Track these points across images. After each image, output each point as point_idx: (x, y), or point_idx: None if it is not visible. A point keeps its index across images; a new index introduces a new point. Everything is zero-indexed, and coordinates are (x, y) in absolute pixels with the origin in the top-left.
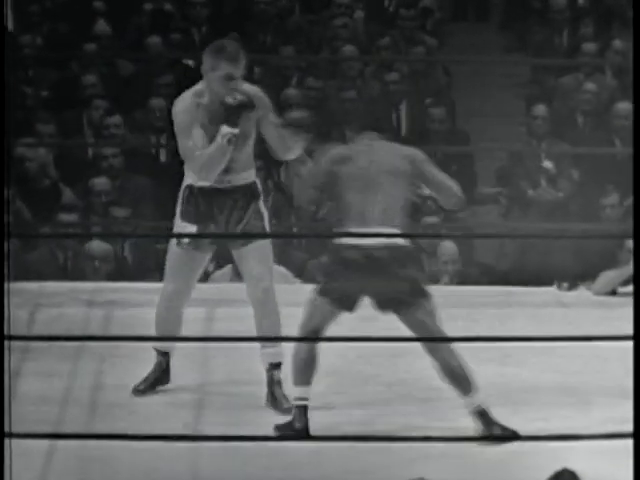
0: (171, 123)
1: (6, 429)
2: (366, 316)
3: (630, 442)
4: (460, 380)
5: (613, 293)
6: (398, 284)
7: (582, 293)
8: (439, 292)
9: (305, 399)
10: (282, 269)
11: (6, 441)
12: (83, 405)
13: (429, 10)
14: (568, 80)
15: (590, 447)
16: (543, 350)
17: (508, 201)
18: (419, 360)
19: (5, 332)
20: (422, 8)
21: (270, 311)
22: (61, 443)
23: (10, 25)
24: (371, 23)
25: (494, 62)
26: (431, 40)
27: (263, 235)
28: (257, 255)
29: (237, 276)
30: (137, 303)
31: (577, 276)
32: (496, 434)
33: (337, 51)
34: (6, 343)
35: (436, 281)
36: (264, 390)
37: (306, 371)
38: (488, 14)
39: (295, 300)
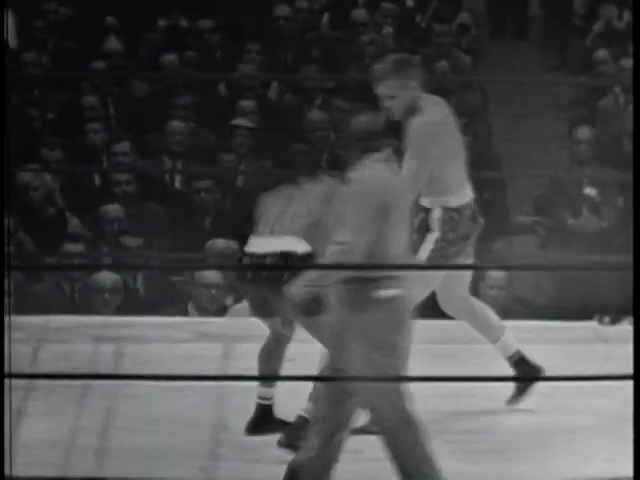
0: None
1: (7, 472)
2: None
3: None
4: None
5: None
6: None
7: (626, 328)
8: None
9: None
10: None
11: None
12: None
13: (465, 27)
14: (607, 101)
15: None
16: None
17: (547, 231)
18: None
19: (5, 370)
20: (458, 24)
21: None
22: None
23: (12, 41)
24: (402, 39)
25: (533, 82)
26: (466, 58)
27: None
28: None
29: None
30: (150, 339)
31: (621, 310)
32: None
33: (366, 70)
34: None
35: None
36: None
37: None
38: (527, 32)
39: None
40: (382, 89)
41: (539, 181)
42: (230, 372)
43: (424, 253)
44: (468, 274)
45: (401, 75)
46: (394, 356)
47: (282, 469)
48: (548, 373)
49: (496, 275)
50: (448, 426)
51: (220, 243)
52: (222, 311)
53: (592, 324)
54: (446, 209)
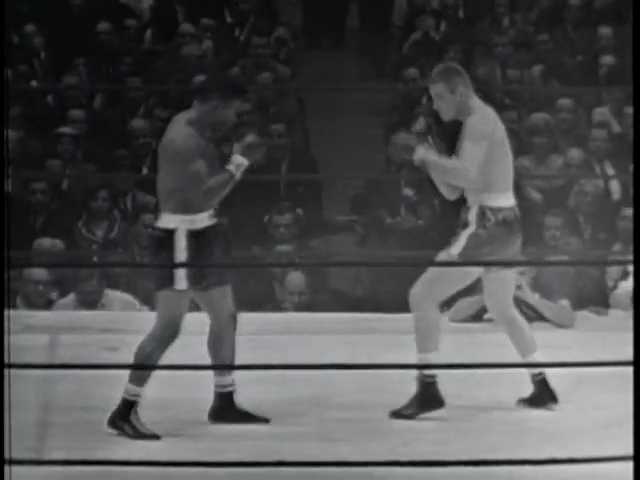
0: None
1: (6, 456)
2: None
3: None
4: None
5: (479, 319)
6: None
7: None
8: (290, 319)
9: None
10: (128, 297)
11: (6, 468)
12: None
13: (282, 39)
14: (425, 107)
15: None
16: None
17: (364, 229)
18: None
19: (5, 360)
20: (275, 37)
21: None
22: None
23: None
24: (221, 52)
25: (349, 89)
26: (284, 69)
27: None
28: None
29: (81, 305)
30: None
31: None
32: None
33: (188, 81)
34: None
35: (282, 309)
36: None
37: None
38: (342, 43)
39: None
40: (432, 92)
41: (356, 182)
42: (57, 361)
43: (456, 249)
44: (513, 281)
45: (448, 81)
46: None
47: None
48: (364, 361)
49: (296, 281)
50: None
51: (46, 242)
52: (49, 305)
53: (410, 316)
54: (485, 207)
